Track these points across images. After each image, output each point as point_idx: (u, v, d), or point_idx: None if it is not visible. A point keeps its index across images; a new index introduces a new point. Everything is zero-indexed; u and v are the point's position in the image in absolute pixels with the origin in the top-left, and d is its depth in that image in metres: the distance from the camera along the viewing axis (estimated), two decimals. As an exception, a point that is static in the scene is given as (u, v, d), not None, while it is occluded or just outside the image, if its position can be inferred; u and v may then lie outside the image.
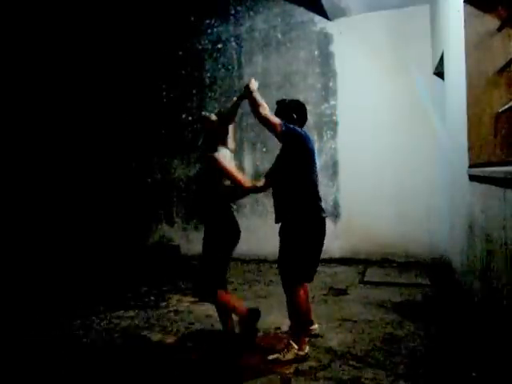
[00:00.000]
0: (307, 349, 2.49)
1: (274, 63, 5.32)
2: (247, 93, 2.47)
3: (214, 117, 2.75)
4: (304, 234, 2.43)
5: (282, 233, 2.53)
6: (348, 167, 5.00)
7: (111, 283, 4.55)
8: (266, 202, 5.16)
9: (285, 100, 2.69)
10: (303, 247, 2.43)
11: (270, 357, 2.46)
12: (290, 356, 2.43)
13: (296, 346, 2.45)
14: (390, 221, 4.77)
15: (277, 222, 2.56)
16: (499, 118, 2.74)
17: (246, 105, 5.77)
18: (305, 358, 2.44)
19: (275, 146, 5.37)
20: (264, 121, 2.39)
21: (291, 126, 2.48)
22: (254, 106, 2.41)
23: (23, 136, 5.55)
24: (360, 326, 2.96)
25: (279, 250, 2.53)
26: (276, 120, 2.40)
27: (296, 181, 2.46)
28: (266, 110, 2.39)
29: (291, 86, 5.23)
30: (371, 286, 3.97)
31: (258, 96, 2.42)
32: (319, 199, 2.53)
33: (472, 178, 2.87)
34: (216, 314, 2.78)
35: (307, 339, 2.56)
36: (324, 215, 2.52)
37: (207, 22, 5.62)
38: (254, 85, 2.46)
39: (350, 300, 3.52)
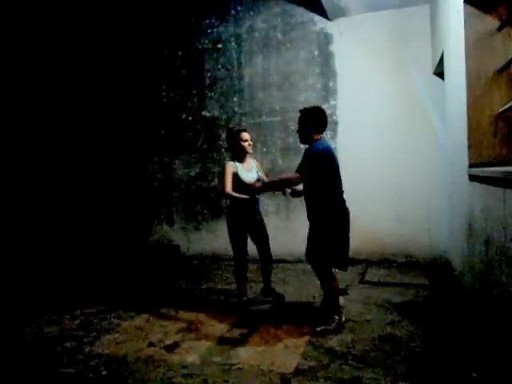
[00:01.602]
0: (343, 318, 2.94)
1: (273, 63, 5.32)
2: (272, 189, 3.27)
3: (246, 136, 3.27)
4: (335, 228, 2.83)
5: (315, 230, 2.91)
6: (348, 167, 4.96)
7: (111, 283, 4.55)
8: (269, 202, 5.17)
9: (304, 109, 2.98)
10: (335, 239, 2.83)
11: (318, 328, 2.83)
12: (333, 326, 2.84)
13: (337, 317, 2.88)
14: (390, 221, 4.77)
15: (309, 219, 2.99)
16: (499, 118, 2.74)
17: (244, 104, 5.76)
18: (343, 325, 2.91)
19: (275, 147, 5.38)
20: (300, 181, 2.93)
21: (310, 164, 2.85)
22: (283, 186, 3.13)
23: (23, 136, 5.55)
24: (360, 326, 2.96)
25: (312, 245, 2.91)
26: (298, 176, 2.92)
27: (324, 187, 2.84)
28: (287, 176, 3.04)
29: (291, 86, 5.24)
30: (371, 285, 3.97)
31: (273, 183, 3.16)
32: (342, 197, 2.95)
33: (472, 177, 2.87)
34: (217, 313, 2.79)
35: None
36: (348, 210, 2.92)
37: (207, 21, 5.62)
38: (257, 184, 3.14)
39: (350, 300, 3.51)
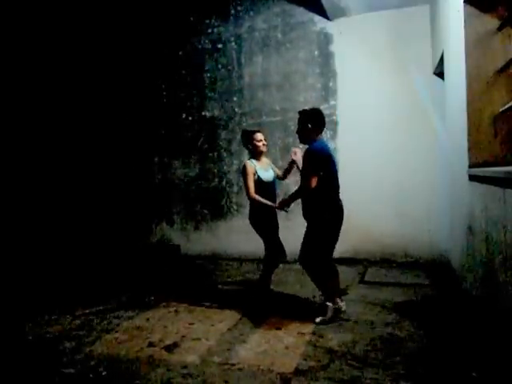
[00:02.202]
0: (339, 302, 3.11)
1: (273, 63, 5.32)
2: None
3: (260, 136, 3.39)
4: (331, 228, 2.99)
5: (312, 231, 2.98)
6: (348, 167, 4.99)
7: (111, 283, 4.55)
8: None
9: (303, 110, 3.10)
10: (331, 238, 3.01)
11: (317, 319, 2.98)
12: (330, 313, 3.00)
13: (331, 304, 3.01)
14: (390, 221, 4.77)
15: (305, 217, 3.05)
16: (499, 118, 2.74)
17: (244, 104, 5.76)
18: (341, 310, 3.11)
19: (275, 147, 5.38)
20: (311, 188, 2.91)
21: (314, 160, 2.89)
22: (297, 198, 3.10)
23: (23, 136, 5.54)
24: (360, 326, 2.96)
25: (308, 246, 2.98)
26: (310, 183, 2.86)
27: (321, 186, 2.91)
28: (300, 190, 3.02)
29: (291, 86, 5.24)
30: (371, 285, 3.97)
31: (291, 198, 3.12)
32: (339, 197, 3.09)
33: (472, 178, 2.87)
34: (217, 313, 2.80)
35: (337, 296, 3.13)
36: (341, 203, 3.08)
37: (207, 22, 5.61)
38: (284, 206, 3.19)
39: (350, 300, 3.51)
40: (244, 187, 3.37)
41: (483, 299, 2.66)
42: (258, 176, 3.32)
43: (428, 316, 3.07)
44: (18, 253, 5.08)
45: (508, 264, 2.11)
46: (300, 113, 3.10)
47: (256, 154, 3.43)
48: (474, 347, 2.47)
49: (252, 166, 3.33)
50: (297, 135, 3.19)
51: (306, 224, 3.07)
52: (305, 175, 2.92)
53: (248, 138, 3.45)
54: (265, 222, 3.42)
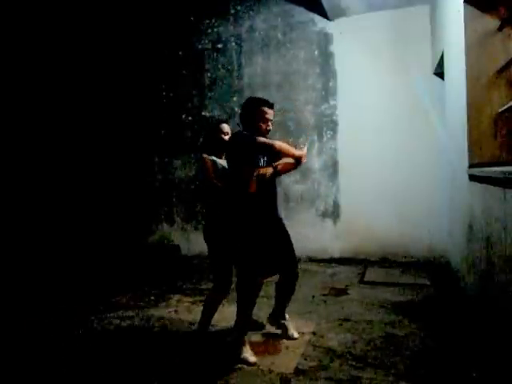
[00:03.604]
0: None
1: (273, 63, 5.32)
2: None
3: (226, 128, 2.85)
4: None
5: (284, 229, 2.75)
6: (348, 167, 5.01)
7: (111, 283, 4.55)
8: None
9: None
10: None
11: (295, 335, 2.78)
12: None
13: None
14: (390, 221, 4.78)
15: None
16: (499, 118, 2.74)
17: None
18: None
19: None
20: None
21: None
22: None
23: (24, 136, 5.55)
24: (360, 326, 2.96)
25: (290, 247, 2.73)
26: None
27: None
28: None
29: (291, 86, 5.24)
30: (371, 285, 3.97)
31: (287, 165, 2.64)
32: None
33: (472, 178, 2.87)
34: (216, 314, 2.79)
35: None
36: None
37: (207, 22, 5.62)
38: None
39: (350, 300, 3.51)
40: (204, 179, 2.72)
41: (483, 299, 2.65)
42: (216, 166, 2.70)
43: (428, 316, 3.07)
44: (18, 254, 5.08)
45: (508, 264, 2.11)
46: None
47: (218, 150, 2.78)
48: (474, 347, 2.47)
49: (210, 158, 2.72)
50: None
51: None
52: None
53: (213, 130, 2.84)
54: (215, 235, 2.67)
